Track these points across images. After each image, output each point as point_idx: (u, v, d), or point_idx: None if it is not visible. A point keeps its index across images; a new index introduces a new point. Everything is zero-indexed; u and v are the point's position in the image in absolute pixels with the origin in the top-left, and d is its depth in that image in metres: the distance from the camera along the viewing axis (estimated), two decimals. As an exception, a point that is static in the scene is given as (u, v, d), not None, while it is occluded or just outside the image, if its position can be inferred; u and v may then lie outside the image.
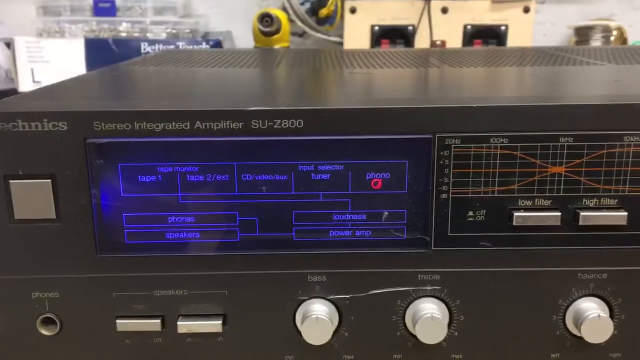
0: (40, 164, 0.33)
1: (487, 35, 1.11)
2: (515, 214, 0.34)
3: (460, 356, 0.37)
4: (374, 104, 0.34)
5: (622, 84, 0.44)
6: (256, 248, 0.36)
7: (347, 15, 1.11)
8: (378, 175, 0.35)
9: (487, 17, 1.11)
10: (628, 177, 0.34)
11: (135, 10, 1.06)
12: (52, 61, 1.02)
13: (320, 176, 0.35)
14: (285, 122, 0.33)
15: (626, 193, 0.34)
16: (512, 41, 1.11)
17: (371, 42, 1.12)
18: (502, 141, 0.33)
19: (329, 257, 0.36)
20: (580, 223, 0.34)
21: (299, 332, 0.36)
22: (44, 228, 0.34)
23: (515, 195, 0.34)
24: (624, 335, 0.36)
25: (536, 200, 0.34)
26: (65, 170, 0.33)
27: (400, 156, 0.35)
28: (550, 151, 0.33)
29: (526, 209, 0.34)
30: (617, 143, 0.33)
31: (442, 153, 0.34)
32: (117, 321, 0.36)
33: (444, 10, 1.12)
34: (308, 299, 0.36)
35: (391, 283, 0.36)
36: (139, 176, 0.34)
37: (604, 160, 0.33)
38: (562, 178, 0.34)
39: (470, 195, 0.34)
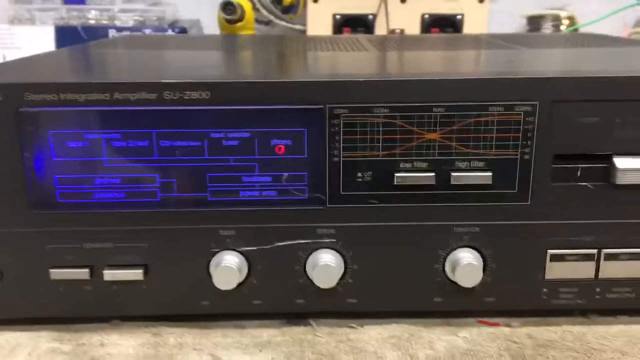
0: (-22, 131, 0.38)
1: (444, 24, 1.16)
2: (397, 174, 0.39)
3: (355, 301, 0.42)
4: (274, 77, 0.39)
5: (514, 63, 0.49)
6: (174, 206, 0.40)
7: (310, 4, 1.16)
8: (281, 142, 0.40)
9: (444, 6, 1.16)
10: (493, 143, 0.39)
11: (105, -2, 1.10)
12: (23, 47, 1.06)
13: (230, 143, 0.40)
14: (194, 93, 0.38)
15: (492, 156, 0.39)
16: (468, 30, 1.16)
17: (333, 30, 1.17)
18: (384, 111, 0.38)
19: (239, 214, 0.40)
20: (452, 182, 0.39)
21: (212, 280, 0.41)
22: (-17, 187, 0.39)
23: (397, 158, 0.39)
24: (496, 282, 0.41)
25: (414, 163, 0.39)
26: (1, 136, 0.38)
27: (299, 125, 0.39)
28: (426, 120, 0.38)
29: (406, 171, 0.39)
30: (483, 112, 0.38)
31: (333, 122, 0.39)
32: (51, 270, 0.41)
33: (403, 0, 1.16)
34: (220, 250, 0.41)
35: (293, 236, 0.41)
36: (68, 142, 0.39)
37: (472, 127, 0.38)
38: (437, 144, 0.39)
39: (358, 158, 0.39)
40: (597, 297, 0.42)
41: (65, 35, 1.05)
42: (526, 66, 0.49)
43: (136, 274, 0.41)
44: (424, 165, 0.39)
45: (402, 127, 0.39)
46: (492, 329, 0.42)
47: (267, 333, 0.42)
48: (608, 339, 0.41)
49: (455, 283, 0.41)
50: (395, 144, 0.39)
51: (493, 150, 0.39)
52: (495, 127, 0.38)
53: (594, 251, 0.41)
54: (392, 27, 1.16)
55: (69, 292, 0.41)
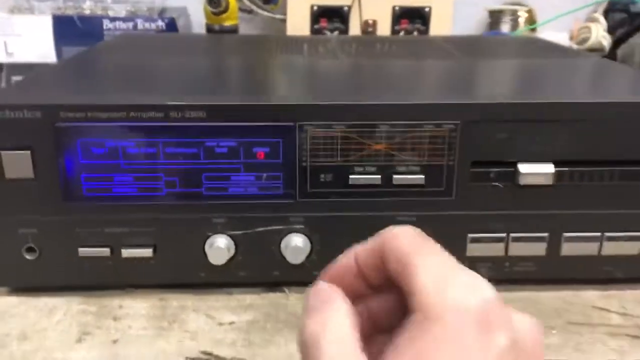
0: (22, 140, 0.48)
1: (413, 16, 1.26)
2: (351, 176, 0.50)
3: (318, 273, 0.53)
4: (257, 101, 0.49)
5: (452, 82, 0.60)
6: (177, 199, 0.51)
7: (290, -5, 1.24)
8: (261, 150, 0.50)
9: (413, -1, 1.25)
10: (426, 152, 0.50)
11: (98, -11, 1.17)
12: (23, 35, 1.14)
13: (221, 149, 0.50)
14: (192, 112, 0.48)
15: (424, 163, 0.50)
16: (435, 21, 1.26)
17: (311, 20, 1.26)
18: (342, 127, 0.49)
19: (228, 205, 0.51)
20: (394, 183, 0.50)
21: (207, 257, 0.52)
22: (26, 184, 0.49)
23: (351, 164, 0.50)
24: (428, 259, 0.53)
25: (365, 168, 0.50)
26: (40, 145, 0.48)
27: (276, 137, 0.50)
28: (375, 134, 0.49)
29: (358, 173, 0.50)
30: (418, 129, 0.49)
31: (302, 135, 0.49)
32: (79, 249, 0.51)
33: (375, -8, 1.25)
34: (213, 234, 0.52)
35: (270, 223, 0.52)
36: (92, 149, 0.49)
37: (410, 141, 0.49)
38: (382, 153, 0.50)
39: (321, 163, 0.50)
40: (507, 270, 0.54)
41: (63, 24, 1.13)
42: (460, 87, 0.60)
43: (147, 252, 0.52)
44: (373, 169, 0.50)
45: (356, 140, 0.49)
46: (425, 295, 0.54)
47: (250, 298, 0.54)
48: (514, 301, 0.53)
49: (396, 259, 0.52)
50: (350, 153, 0.50)
51: (425, 158, 0.50)
52: (427, 140, 0.50)
53: (504, 235, 0.52)
54: (365, 18, 1.25)
55: (93, 266, 0.52)
